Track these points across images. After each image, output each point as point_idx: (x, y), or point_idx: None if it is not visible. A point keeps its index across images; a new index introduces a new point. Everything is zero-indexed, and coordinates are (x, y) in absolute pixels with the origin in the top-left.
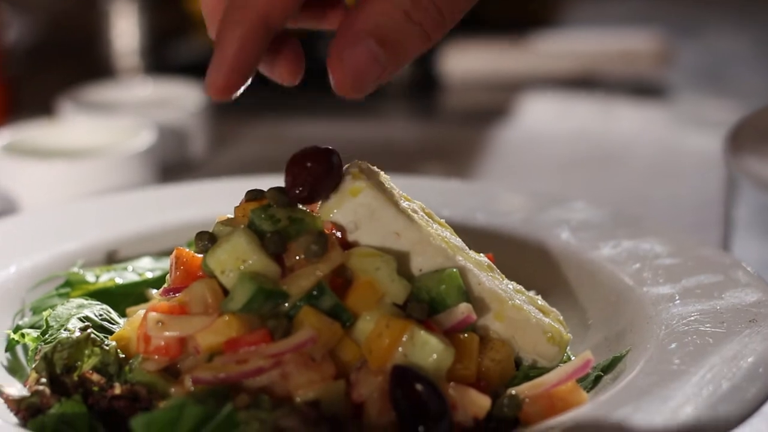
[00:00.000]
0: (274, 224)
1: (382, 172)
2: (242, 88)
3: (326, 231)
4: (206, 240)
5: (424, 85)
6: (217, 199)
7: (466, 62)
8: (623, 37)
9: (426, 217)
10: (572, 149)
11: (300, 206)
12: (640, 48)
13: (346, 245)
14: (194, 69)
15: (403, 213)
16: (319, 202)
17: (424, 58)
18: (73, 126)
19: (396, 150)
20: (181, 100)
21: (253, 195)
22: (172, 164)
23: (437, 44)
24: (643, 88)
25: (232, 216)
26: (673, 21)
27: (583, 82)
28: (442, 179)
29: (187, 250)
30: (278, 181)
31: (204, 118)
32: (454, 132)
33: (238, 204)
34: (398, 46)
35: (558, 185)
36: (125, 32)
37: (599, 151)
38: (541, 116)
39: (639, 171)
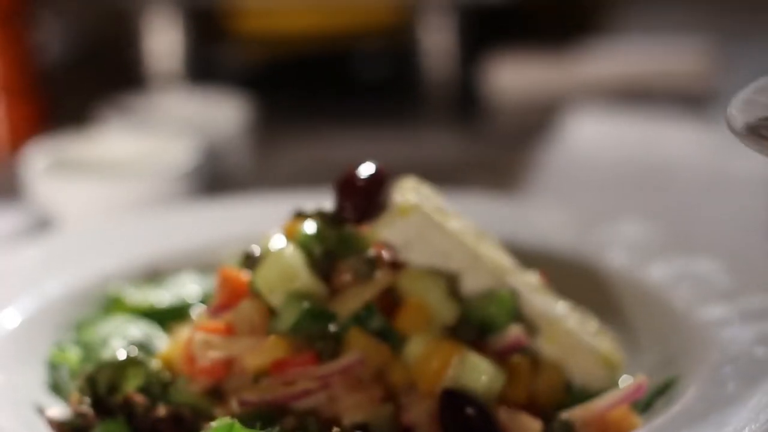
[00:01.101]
0: (322, 243)
1: (431, 190)
2: None
3: (375, 251)
4: (254, 259)
5: (467, 102)
6: (261, 214)
7: (510, 79)
8: (672, 50)
9: (477, 236)
10: (619, 167)
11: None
12: (687, 65)
13: (396, 266)
14: (238, 81)
15: (454, 233)
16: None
17: (467, 74)
18: (114, 138)
19: (440, 169)
20: (223, 113)
21: (301, 214)
22: (213, 180)
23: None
24: (690, 105)
25: (280, 234)
26: (724, 26)
27: (631, 97)
28: (489, 197)
29: (234, 269)
30: (324, 197)
31: (247, 132)
32: (498, 150)
33: (283, 220)
34: None
35: (606, 203)
36: (167, 44)
37: (647, 168)
38: (587, 134)
39: (688, 189)
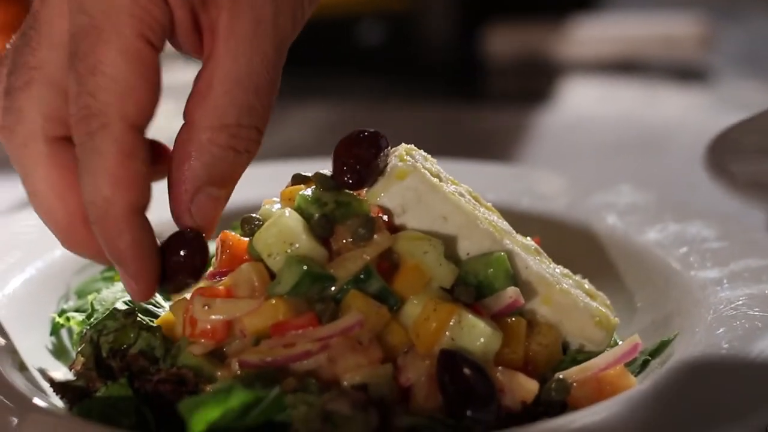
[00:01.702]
0: (321, 208)
1: (428, 156)
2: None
3: (373, 215)
4: (253, 223)
5: (465, 68)
6: (262, 182)
7: (508, 45)
8: (665, 21)
9: (473, 200)
10: (614, 134)
11: (346, 190)
12: (682, 32)
13: (393, 229)
14: None
15: (451, 196)
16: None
17: (465, 41)
18: None
19: (438, 134)
20: None
21: (300, 179)
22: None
23: None
24: (685, 72)
25: (278, 199)
26: (715, 4)
27: (625, 66)
28: (486, 163)
29: (233, 233)
30: (323, 164)
31: None
32: (495, 116)
33: (283, 188)
34: (231, 177)
35: (601, 170)
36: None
37: (642, 135)
38: (583, 101)
39: (682, 155)
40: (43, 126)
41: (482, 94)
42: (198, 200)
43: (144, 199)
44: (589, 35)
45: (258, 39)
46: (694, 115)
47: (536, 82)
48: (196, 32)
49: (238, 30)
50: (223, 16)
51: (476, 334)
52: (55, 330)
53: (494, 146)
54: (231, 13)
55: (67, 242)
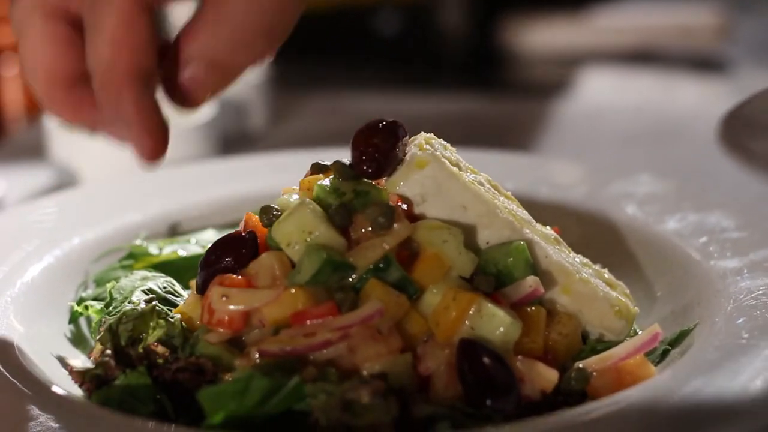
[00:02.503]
0: (340, 197)
1: (447, 145)
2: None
3: (392, 204)
4: (271, 213)
5: (482, 59)
6: (279, 171)
7: (525, 36)
8: (682, 11)
9: (492, 189)
10: (633, 123)
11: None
12: (699, 22)
13: (413, 218)
14: None
15: (470, 185)
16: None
17: (482, 31)
18: None
19: (456, 123)
20: None
21: (318, 168)
22: (232, 137)
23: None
24: (703, 62)
25: (297, 189)
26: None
27: (643, 56)
28: (505, 152)
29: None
30: (339, 153)
31: (264, 90)
32: (513, 105)
33: (300, 177)
34: (227, 67)
35: (618, 159)
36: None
37: (659, 125)
38: (601, 90)
39: (699, 145)
40: (40, 1)
41: (500, 84)
42: (183, 74)
43: (146, 63)
44: (607, 25)
45: None
46: (711, 104)
47: (554, 72)
48: None
49: None
50: None
51: (496, 323)
52: (73, 318)
53: (512, 136)
54: None
55: (47, 102)
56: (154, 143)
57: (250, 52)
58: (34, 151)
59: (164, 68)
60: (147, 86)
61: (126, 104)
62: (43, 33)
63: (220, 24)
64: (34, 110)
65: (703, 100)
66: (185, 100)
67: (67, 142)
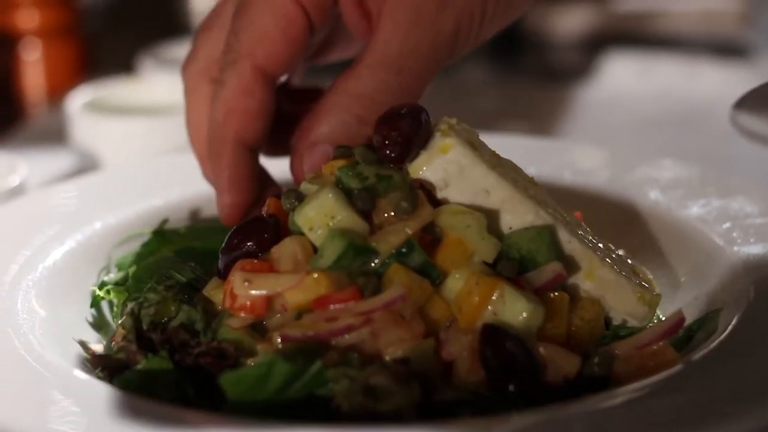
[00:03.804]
0: (362, 181)
1: (471, 129)
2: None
3: (415, 188)
4: (294, 198)
5: (506, 44)
6: None
7: (549, 21)
8: None
9: (515, 174)
10: (654, 109)
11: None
12: (722, 8)
13: (435, 203)
14: None
15: (494, 170)
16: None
17: None
18: (154, 83)
19: (477, 108)
20: None
21: (341, 152)
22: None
23: None
24: (725, 48)
25: (320, 172)
26: None
27: (665, 41)
28: (527, 137)
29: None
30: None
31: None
32: (536, 91)
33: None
34: (352, 141)
35: (640, 145)
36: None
37: (681, 111)
38: (623, 76)
39: (722, 131)
40: (206, 66)
41: (523, 69)
42: (313, 152)
43: (252, 135)
44: (630, 11)
45: (414, 30)
46: (733, 90)
47: (577, 57)
48: (361, 15)
49: (398, 17)
50: (388, 2)
51: (519, 308)
52: (95, 302)
53: (535, 121)
54: (395, 1)
55: (203, 169)
56: (231, 205)
57: (371, 128)
58: (55, 135)
59: (294, 147)
60: (246, 156)
61: (220, 165)
62: (208, 97)
63: (345, 107)
64: (55, 95)
65: (725, 86)
66: (305, 170)
67: (89, 126)
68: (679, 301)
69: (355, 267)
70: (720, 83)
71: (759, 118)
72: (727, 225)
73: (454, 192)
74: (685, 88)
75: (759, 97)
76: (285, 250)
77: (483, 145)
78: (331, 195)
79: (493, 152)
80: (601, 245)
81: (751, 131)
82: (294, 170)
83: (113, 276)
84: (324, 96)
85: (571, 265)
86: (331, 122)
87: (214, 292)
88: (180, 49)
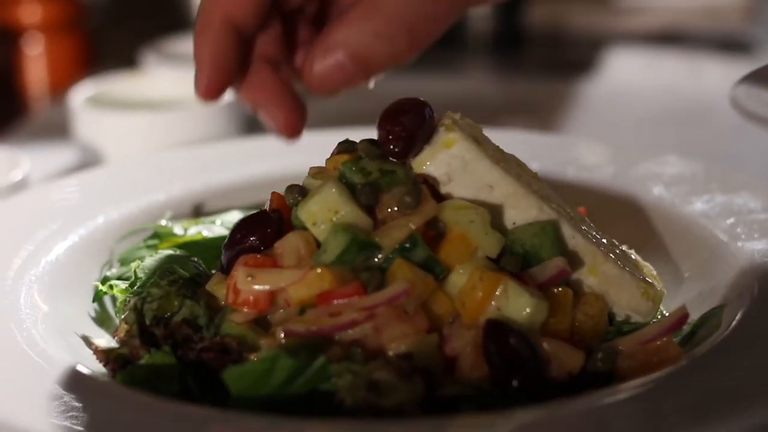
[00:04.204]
0: (366, 176)
1: (474, 124)
2: (226, 89)
3: (419, 183)
4: (297, 192)
5: (508, 39)
6: (303, 152)
7: (552, 16)
8: None
9: (519, 169)
10: (658, 105)
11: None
12: (726, 3)
13: (439, 198)
14: None
15: (497, 165)
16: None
17: (508, 12)
18: (156, 78)
19: (481, 104)
20: None
21: (344, 147)
22: (256, 118)
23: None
24: (729, 43)
25: (323, 167)
26: None
27: (669, 37)
28: (531, 132)
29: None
30: (365, 133)
31: None
32: (540, 86)
33: (325, 156)
34: (367, 60)
35: (644, 140)
36: None
37: (685, 106)
38: (628, 71)
39: (725, 127)
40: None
41: (526, 64)
42: (325, 56)
43: (241, 14)
44: (634, 6)
45: None
46: None
47: (581, 52)
48: None
49: None
50: None
51: (522, 304)
52: (98, 297)
53: (539, 116)
54: None
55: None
56: (209, 82)
57: (390, 46)
58: (57, 130)
59: (307, 55)
60: (232, 35)
61: (204, 40)
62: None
63: (367, 17)
64: (57, 89)
65: (729, 81)
66: (321, 86)
67: (91, 121)
68: (683, 296)
69: (359, 262)
70: (724, 78)
71: (758, 100)
72: (731, 221)
73: (458, 187)
74: (690, 84)
75: (758, 79)
76: (288, 245)
77: (486, 140)
78: (334, 190)
79: (497, 147)
80: (604, 241)
81: (750, 112)
82: (304, 74)
83: (116, 271)
84: (347, 13)
85: (574, 261)
86: (348, 31)
87: (217, 287)
88: (183, 44)
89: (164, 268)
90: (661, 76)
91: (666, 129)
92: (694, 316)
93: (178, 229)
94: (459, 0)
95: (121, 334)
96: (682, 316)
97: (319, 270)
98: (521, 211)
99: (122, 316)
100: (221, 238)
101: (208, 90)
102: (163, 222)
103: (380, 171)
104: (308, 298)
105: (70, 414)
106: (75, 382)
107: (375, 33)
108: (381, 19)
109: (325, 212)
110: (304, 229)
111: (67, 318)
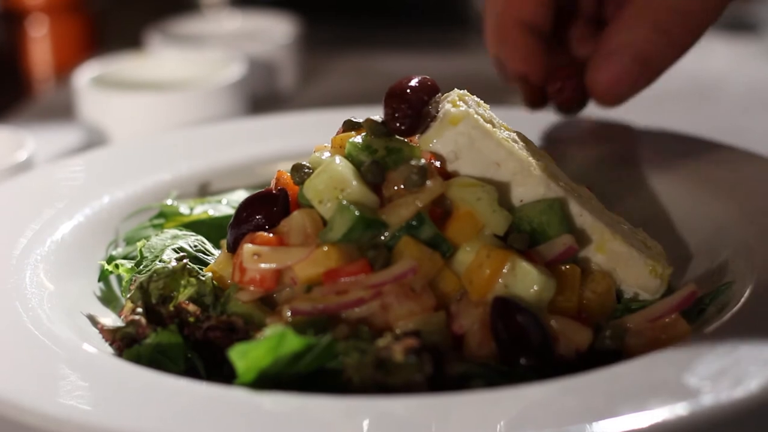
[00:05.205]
0: (371, 154)
1: (481, 101)
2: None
3: (425, 160)
4: (303, 171)
5: None
6: (309, 131)
7: None
8: None
9: (525, 146)
10: (665, 84)
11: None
12: None
13: (446, 175)
14: (282, 2)
15: (504, 142)
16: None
17: None
18: (162, 59)
19: (487, 82)
20: (269, 32)
21: (350, 125)
22: (261, 97)
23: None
24: (735, 23)
25: (329, 145)
26: None
27: None
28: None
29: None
30: (369, 112)
31: (293, 50)
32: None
33: (331, 135)
34: (649, 59)
35: (653, 119)
36: None
37: (690, 86)
38: None
39: (730, 106)
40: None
41: None
42: (609, 60)
43: (532, 15)
44: None
45: None
46: (743, 66)
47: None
48: None
49: None
50: None
51: (530, 281)
52: (103, 276)
53: None
54: None
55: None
56: (534, 70)
57: (668, 37)
58: (63, 111)
59: (589, 65)
60: (532, 33)
61: (508, 47)
62: None
63: (640, 16)
64: (62, 70)
65: (735, 61)
66: (608, 94)
67: (97, 101)
68: (691, 273)
69: (365, 240)
70: (730, 58)
71: None
72: (740, 198)
73: (465, 164)
74: (695, 63)
75: None
76: (294, 223)
77: (493, 117)
78: (340, 167)
79: (504, 125)
80: (612, 218)
81: None
82: (589, 80)
83: (121, 250)
84: (623, 11)
85: (582, 238)
86: (628, 30)
87: (223, 265)
88: (188, 25)
89: (170, 247)
90: None
91: (674, 108)
92: (703, 293)
93: (183, 209)
94: None
95: (127, 313)
96: (690, 293)
97: (325, 248)
98: (528, 188)
99: (128, 296)
100: (227, 217)
101: (532, 98)
102: (169, 201)
103: (386, 149)
104: (315, 276)
105: (76, 393)
106: (81, 360)
107: (653, 25)
108: (655, 9)
109: (331, 190)
110: (310, 207)
111: (72, 297)
